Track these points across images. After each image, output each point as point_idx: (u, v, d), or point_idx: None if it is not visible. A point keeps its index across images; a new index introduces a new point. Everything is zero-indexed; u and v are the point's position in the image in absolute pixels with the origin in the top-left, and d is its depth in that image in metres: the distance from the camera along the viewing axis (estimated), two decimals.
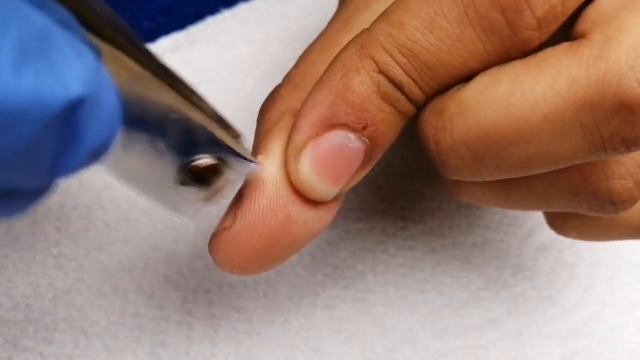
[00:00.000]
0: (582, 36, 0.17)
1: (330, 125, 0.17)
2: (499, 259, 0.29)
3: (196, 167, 0.17)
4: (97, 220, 0.25)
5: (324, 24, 0.32)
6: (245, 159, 0.17)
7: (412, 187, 0.29)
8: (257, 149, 0.19)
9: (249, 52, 0.30)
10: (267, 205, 0.18)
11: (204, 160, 0.17)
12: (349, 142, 0.17)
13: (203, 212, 0.18)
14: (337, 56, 0.18)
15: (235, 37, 0.30)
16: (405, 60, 0.17)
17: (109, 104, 0.12)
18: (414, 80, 0.17)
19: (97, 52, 0.13)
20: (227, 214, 0.19)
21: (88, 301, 0.24)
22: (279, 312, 0.26)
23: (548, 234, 0.30)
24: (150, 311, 0.25)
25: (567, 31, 0.18)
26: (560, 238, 0.30)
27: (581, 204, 0.20)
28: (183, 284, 0.25)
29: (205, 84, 0.28)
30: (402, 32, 0.17)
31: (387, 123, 0.18)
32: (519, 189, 0.21)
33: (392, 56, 0.17)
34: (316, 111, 0.17)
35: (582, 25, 0.17)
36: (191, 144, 0.16)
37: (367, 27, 0.18)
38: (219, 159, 0.17)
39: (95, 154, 0.12)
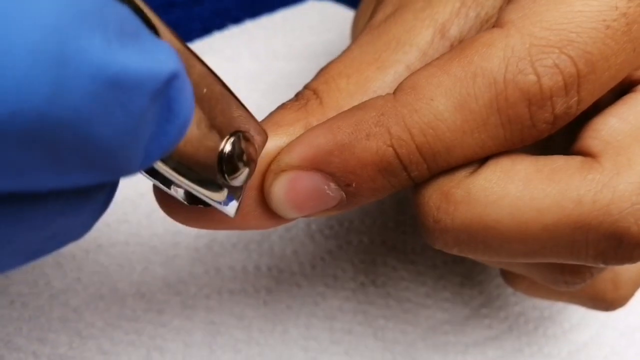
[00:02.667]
0: (593, 155, 0.18)
1: (317, 167, 0.17)
2: (500, 276, 0.29)
3: (231, 149, 0.16)
4: (98, 222, 0.25)
5: (329, 44, 0.33)
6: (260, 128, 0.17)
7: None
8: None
9: (254, 66, 0.30)
10: (244, 205, 0.18)
11: (234, 138, 0.16)
12: (327, 189, 0.17)
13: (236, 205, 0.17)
14: (355, 108, 0.18)
15: (241, 52, 0.31)
16: (424, 139, 0.17)
17: (188, 83, 0.13)
18: (424, 160, 0.17)
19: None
20: None
21: (85, 302, 0.24)
22: (279, 321, 0.26)
23: None
24: (148, 315, 0.24)
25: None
26: None
27: (537, 277, 0.21)
28: (183, 289, 0.25)
29: None
30: (429, 109, 0.17)
31: (373, 191, 0.18)
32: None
33: (411, 134, 0.17)
34: (312, 149, 0.17)
35: (593, 143, 0.18)
36: (223, 122, 0.16)
37: (392, 94, 0.17)
38: (244, 132, 0.16)
39: (181, 133, 0.13)
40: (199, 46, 0.30)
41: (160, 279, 0.25)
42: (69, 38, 0.10)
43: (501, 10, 0.18)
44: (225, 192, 0.17)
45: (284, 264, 0.26)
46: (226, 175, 0.16)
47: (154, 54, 0.12)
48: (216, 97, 0.16)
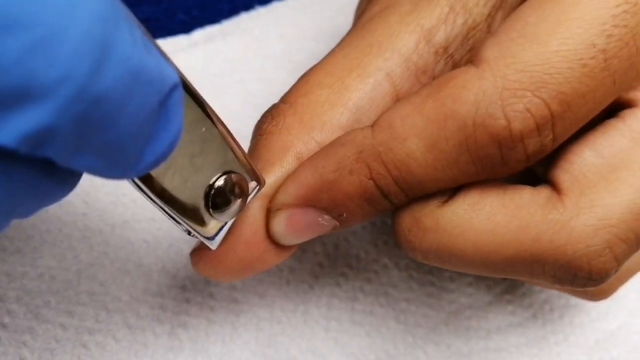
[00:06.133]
0: (560, 190, 0.19)
1: (310, 204, 0.19)
2: None
3: (220, 187, 0.18)
4: (124, 197, 0.25)
5: None
6: (256, 177, 0.19)
7: None
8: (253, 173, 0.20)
9: (282, 46, 0.30)
10: (250, 238, 0.20)
11: (225, 177, 0.18)
12: (322, 220, 0.19)
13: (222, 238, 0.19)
14: (336, 147, 0.19)
15: (269, 32, 0.30)
16: (399, 174, 0.18)
17: (183, 99, 0.15)
18: (402, 190, 0.19)
19: None
20: None
21: (111, 276, 0.24)
22: (301, 301, 0.26)
23: None
24: (172, 291, 0.25)
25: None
26: None
27: (565, 291, 0.23)
28: None
29: (237, 73, 0.29)
30: (402, 149, 0.18)
31: (362, 215, 0.19)
32: None
33: (387, 169, 0.18)
34: (304, 188, 0.19)
35: (564, 177, 0.19)
36: (213, 162, 0.18)
37: (370, 129, 0.19)
38: (236, 174, 0.18)
39: (173, 143, 0.14)
40: (226, 26, 0.30)
41: (185, 256, 0.25)
42: (111, 28, 0.12)
43: (480, 43, 0.19)
44: (210, 226, 0.18)
45: (307, 243, 0.26)
46: (211, 210, 0.18)
47: (163, 64, 0.14)
48: (213, 137, 0.18)
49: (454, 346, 0.27)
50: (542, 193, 0.19)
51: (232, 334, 0.25)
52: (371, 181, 0.19)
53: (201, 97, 0.17)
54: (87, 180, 0.25)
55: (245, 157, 0.19)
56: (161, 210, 0.17)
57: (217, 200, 0.18)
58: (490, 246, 0.18)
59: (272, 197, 0.20)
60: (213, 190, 0.18)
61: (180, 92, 0.14)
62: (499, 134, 0.17)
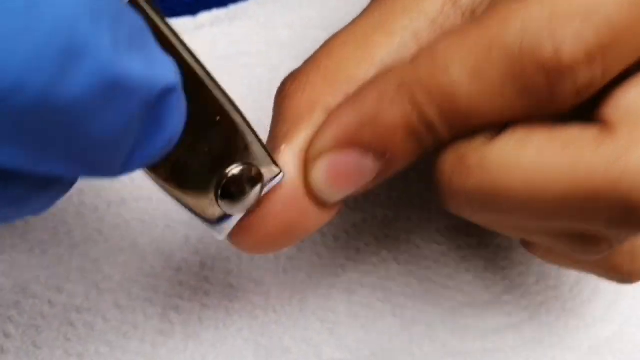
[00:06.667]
0: (610, 125, 0.17)
1: (353, 143, 0.18)
2: (524, 264, 0.28)
3: (233, 176, 0.17)
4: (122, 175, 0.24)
5: None
6: (274, 165, 0.18)
7: None
8: (280, 136, 0.19)
9: (288, 34, 0.30)
10: (288, 198, 0.18)
11: (240, 168, 0.17)
12: (365, 162, 0.18)
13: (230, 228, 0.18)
14: (375, 81, 0.18)
15: (276, 19, 0.30)
16: (442, 103, 0.17)
17: (182, 101, 0.14)
18: (445, 122, 0.18)
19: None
20: None
21: (104, 254, 0.23)
22: (298, 290, 0.25)
23: None
24: (166, 273, 0.24)
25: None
26: None
27: (558, 243, 0.20)
28: (203, 250, 0.25)
29: (243, 58, 0.28)
30: (446, 77, 0.17)
31: (406, 153, 0.18)
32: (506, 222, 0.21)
33: (430, 97, 0.17)
34: (343, 127, 0.18)
35: (612, 112, 0.18)
36: (227, 153, 0.17)
37: (410, 62, 0.18)
38: (251, 165, 0.17)
39: (167, 147, 0.13)
40: (233, 11, 0.30)
41: (181, 237, 0.24)
42: (84, 29, 0.10)
43: None
44: (218, 213, 0.18)
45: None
46: (223, 200, 0.17)
47: (154, 67, 0.12)
48: (229, 126, 0.17)
49: (450, 344, 0.26)
50: (591, 129, 0.18)
51: (225, 320, 0.24)
52: (414, 111, 0.17)
53: (217, 83, 0.16)
54: None
55: (263, 146, 0.18)
56: (169, 196, 0.17)
57: (231, 189, 0.17)
58: (540, 182, 0.17)
59: (308, 149, 0.19)
60: (226, 180, 0.17)
61: (177, 96, 0.13)
62: (547, 62, 0.16)
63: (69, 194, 0.23)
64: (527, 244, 0.24)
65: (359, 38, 0.19)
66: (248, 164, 0.17)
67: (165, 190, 0.17)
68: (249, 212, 0.18)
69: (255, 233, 0.19)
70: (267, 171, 0.18)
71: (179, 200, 0.17)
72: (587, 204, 0.17)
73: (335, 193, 0.19)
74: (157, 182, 0.16)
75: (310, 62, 0.20)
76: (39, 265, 0.23)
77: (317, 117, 0.19)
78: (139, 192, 0.24)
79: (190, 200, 0.17)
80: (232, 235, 0.19)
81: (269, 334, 0.24)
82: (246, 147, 0.17)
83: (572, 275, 0.29)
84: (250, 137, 0.17)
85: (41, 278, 0.23)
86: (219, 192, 0.17)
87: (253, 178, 0.17)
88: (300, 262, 0.26)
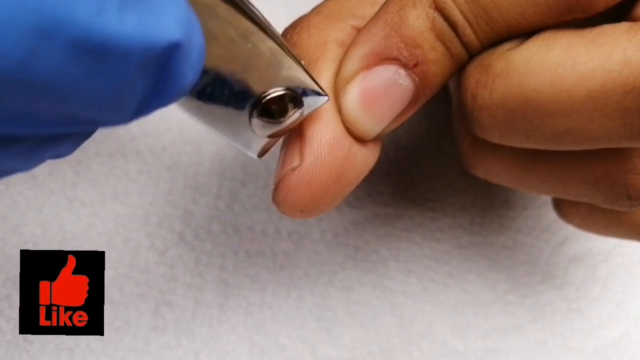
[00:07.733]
0: None
1: (382, 58, 0.17)
2: (529, 264, 0.28)
3: (270, 99, 0.16)
4: (117, 170, 0.24)
5: None
6: (315, 90, 0.17)
7: (445, 180, 0.28)
8: None
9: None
10: (333, 139, 0.17)
11: (277, 92, 0.16)
12: (399, 78, 0.17)
13: (269, 149, 0.17)
14: None
15: (280, 12, 0.30)
16: (465, 2, 0.16)
17: (198, 48, 0.13)
18: (469, 23, 0.17)
19: None
20: (288, 155, 0.18)
21: (97, 249, 0.23)
22: (294, 287, 0.25)
23: (582, 245, 0.28)
24: (160, 269, 0.24)
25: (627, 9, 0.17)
26: (594, 251, 0.29)
27: (597, 194, 0.19)
28: (198, 246, 0.24)
29: None
30: None
31: (438, 63, 0.17)
32: (537, 170, 0.20)
33: None
34: (369, 43, 0.17)
35: None
36: (264, 78, 0.16)
37: None
38: (290, 90, 0.16)
39: (178, 96, 0.13)
40: None
41: (176, 234, 0.24)
42: (49, 3, 0.10)
43: None
44: (253, 133, 0.17)
45: (305, 229, 0.25)
46: (263, 118, 0.16)
47: (154, 24, 0.11)
48: (260, 52, 0.16)
49: (450, 344, 0.26)
50: (623, 24, 0.16)
51: (219, 317, 0.24)
52: (437, 11, 0.17)
53: (251, 8, 0.15)
54: (80, 151, 0.24)
55: (304, 69, 0.17)
56: (201, 116, 0.16)
57: (272, 108, 0.16)
58: (571, 79, 0.16)
59: (335, 78, 0.17)
60: (267, 99, 0.16)
61: (184, 51, 0.12)
62: None
63: (62, 189, 0.23)
64: (562, 211, 0.23)
65: None
66: (288, 89, 0.17)
67: (199, 109, 0.16)
68: (295, 166, 0.17)
69: (310, 186, 0.17)
70: (310, 93, 0.17)
71: (213, 117, 0.17)
72: (627, 101, 0.16)
73: (373, 121, 0.17)
74: (188, 105, 0.16)
75: (309, 12, 0.19)
76: None
77: (332, 52, 0.18)
78: (134, 187, 0.24)
79: (227, 118, 0.17)
80: (282, 196, 0.17)
81: (264, 332, 0.24)
82: (288, 69, 0.16)
83: (579, 275, 0.28)
84: (288, 62, 0.16)
85: None
86: (260, 110, 0.17)
87: (295, 98, 0.17)
88: (297, 259, 0.25)
